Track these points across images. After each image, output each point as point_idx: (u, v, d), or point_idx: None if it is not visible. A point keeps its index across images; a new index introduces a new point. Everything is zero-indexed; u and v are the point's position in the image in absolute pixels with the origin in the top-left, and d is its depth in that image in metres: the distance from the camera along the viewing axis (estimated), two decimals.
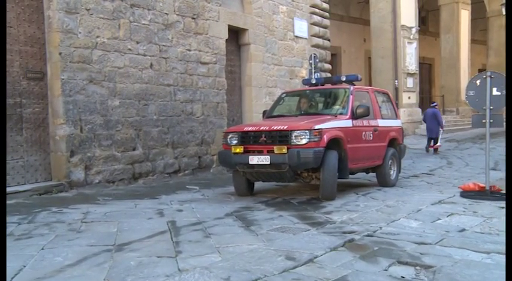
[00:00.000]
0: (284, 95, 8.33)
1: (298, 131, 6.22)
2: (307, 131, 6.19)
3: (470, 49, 21.63)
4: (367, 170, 7.95)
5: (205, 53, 9.66)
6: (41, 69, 7.16)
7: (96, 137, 7.62)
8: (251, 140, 6.52)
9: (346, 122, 6.90)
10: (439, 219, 5.10)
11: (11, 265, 3.59)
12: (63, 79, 7.13)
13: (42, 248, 4.08)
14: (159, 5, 8.69)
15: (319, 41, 13.11)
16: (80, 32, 7.36)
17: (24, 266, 3.58)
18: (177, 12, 9.06)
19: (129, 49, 8.15)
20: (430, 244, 4.06)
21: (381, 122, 7.80)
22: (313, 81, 8.23)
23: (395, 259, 3.62)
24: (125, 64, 8.07)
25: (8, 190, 6.43)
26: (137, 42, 8.28)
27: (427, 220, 5.03)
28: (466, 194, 6.54)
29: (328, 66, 13.41)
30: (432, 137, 13.90)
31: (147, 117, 8.50)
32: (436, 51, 23.08)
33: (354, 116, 7.03)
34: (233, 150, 6.52)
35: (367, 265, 3.50)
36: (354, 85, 7.77)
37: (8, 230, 4.75)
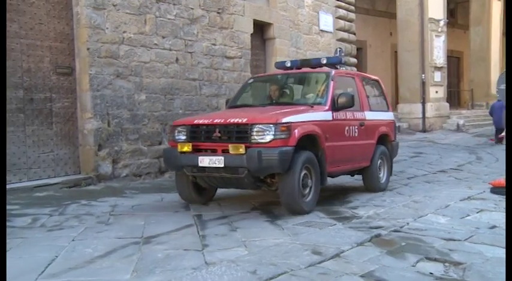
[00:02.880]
0: (251, 80, 7.07)
1: (260, 126, 4.93)
2: (271, 126, 4.89)
3: (502, 41, 21.02)
4: (352, 173, 6.73)
5: (230, 48, 9.67)
6: (70, 64, 7.30)
7: (123, 131, 7.73)
8: (203, 135, 5.26)
9: (324, 114, 5.65)
10: (469, 215, 5.00)
11: (44, 255, 3.72)
12: (91, 74, 7.25)
13: (73, 240, 4.18)
14: (185, 0, 8.74)
15: (345, 35, 12.97)
16: (107, 28, 7.47)
17: (57, 257, 3.68)
18: (202, 7, 9.09)
19: (155, 44, 8.22)
20: (459, 240, 3.98)
21: (369, 115, 6.57)
22: (288, 65, 6.87)
23: (423, 255, 3.57)
24: (151, 59, 8.15)
25: (39, 182, 6.63)
26: (163, 37, 8.35)
27: (456, 216, 4.94)
28: (497, 190, 6.37)
29: (353, 60, 13.26)
30: (499, 128, 14.03)
31: (173, 111, 8.57)
32: (465, 44, 22.54)
33: (335, 107, 5.79)
34: (179, 148, 5.25)
35: (395, 261, 3.46)
36: (337, 69, 6.64)
37: (40, 221, 4.91)
